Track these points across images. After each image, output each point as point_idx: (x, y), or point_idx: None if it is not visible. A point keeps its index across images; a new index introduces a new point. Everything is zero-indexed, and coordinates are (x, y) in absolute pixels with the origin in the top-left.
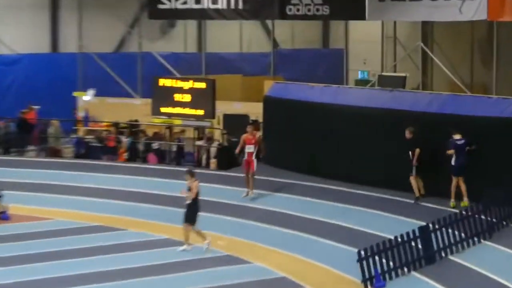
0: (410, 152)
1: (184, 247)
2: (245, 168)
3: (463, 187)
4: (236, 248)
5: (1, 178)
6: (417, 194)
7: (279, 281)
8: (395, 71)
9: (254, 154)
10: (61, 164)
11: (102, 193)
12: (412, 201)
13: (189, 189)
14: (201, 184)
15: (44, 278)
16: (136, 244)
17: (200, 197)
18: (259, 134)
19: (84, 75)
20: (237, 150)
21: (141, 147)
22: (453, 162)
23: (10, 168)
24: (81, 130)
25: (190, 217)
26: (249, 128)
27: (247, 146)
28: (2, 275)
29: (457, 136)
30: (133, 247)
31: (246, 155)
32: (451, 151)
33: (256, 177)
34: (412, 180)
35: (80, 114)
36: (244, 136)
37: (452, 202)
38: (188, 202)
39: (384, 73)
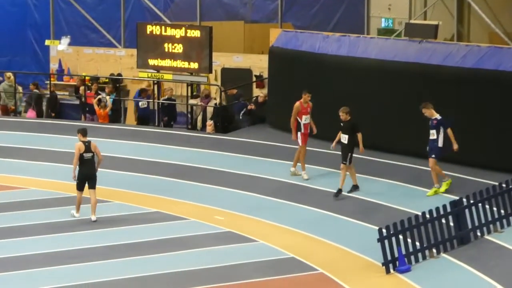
0: (347, 137)
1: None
2: (303, 143)
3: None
4: (237, 224)
5: None
6: (340, 185)
7: (286, 261)
8: (425, 19)
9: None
10: (32, 124)
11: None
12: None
13: None
14: (196, 149)
15: (18, 256)
16: (125, 218)
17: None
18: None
19: (56, 20)
20: (292, 122)
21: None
22: (440, 143)
23: None
24: (53, 86)
25: None
26: (304, 95)
27: (303, 117)
28: None
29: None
30: (121, 221)
31: (302, 128)
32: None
33: (255, 141)
34: (343, 169)
35: (53, 66)
36: (297, 104)
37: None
38: None
39: (412, 21)
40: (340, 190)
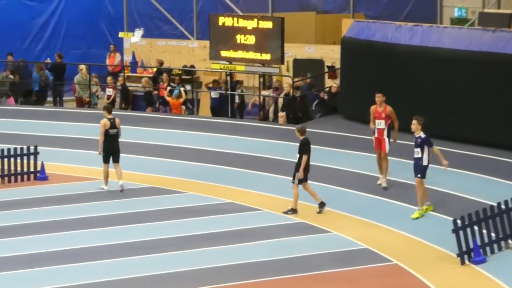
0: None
1: None
2: (375, 149)
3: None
4: (310, 215)
5: (35, 132)
6: (294, 206)
7: (360, 252)
8: (498, 8)
9: (386, 131)
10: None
11: (150, 150)
12: None
13: None
14: (268, 140)
15: (93, 246)
16: (199, 209)
17: None
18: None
19: (130, 12)
20: (371, 126)
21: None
22: (425, 162)
23: (44, 120)
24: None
25: None
26: (377, 98)
27: (376, 121)
28: (44, 242)
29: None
30: (194, 212)
31: (376, 132)
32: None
33: (327, 132)
34: (295, 189)
35: (126, 58)
36: (372, 108)
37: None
38: None
39: (486, 10)
40: (293, 210)
